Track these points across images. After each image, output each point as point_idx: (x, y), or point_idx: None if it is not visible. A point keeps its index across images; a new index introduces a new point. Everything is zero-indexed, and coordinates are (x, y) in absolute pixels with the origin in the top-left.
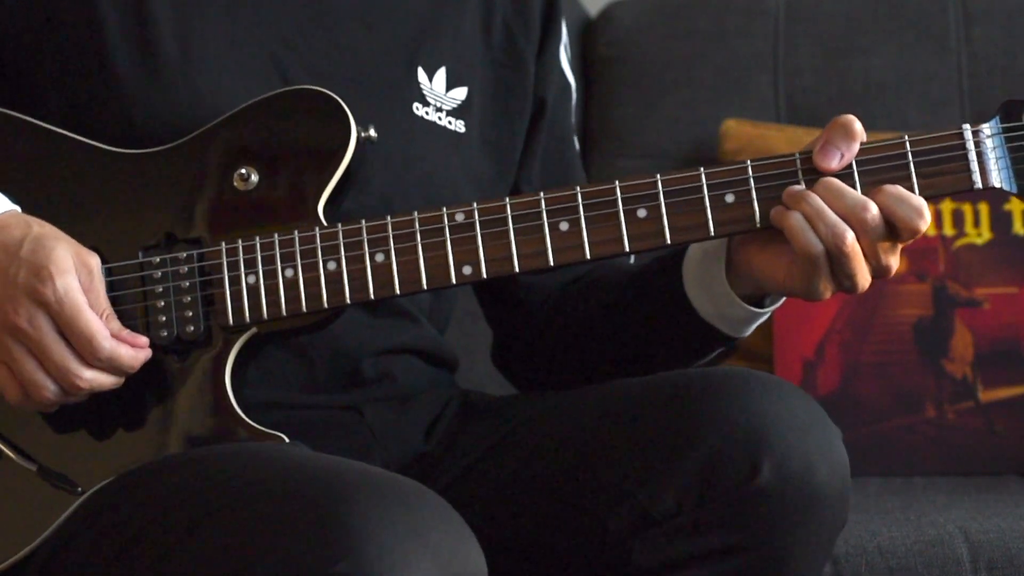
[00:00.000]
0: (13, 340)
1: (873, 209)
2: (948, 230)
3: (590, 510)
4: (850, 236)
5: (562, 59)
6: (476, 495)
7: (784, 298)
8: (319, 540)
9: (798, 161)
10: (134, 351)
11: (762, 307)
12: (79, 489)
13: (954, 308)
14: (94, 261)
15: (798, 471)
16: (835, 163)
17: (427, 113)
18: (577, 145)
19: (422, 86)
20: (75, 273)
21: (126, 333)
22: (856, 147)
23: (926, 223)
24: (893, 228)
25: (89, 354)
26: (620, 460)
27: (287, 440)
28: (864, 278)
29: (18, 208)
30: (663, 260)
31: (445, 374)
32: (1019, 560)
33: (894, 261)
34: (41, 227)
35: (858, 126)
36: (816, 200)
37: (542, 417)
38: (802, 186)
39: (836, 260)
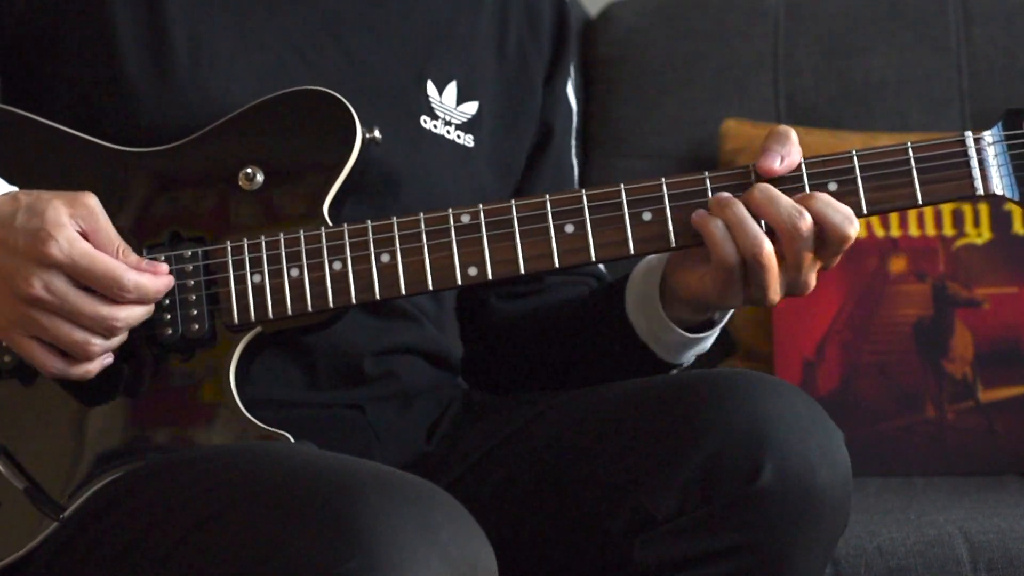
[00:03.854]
0: (37, 310)
1: (807, 216)
2: (948, 230)
3: (591, 510)
4: (768, 246)
5: (568, 87)
6: (478, 495)
7: (723, 319)
8: (330, 538)
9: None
10: (156, 277)
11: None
12: (61, 516)
13: (954, 308)
14: (91, 200)
15: (799, 472)
16: (777, 164)
17: (435, 126)
18: (576, 171)
19: (431, 99)
20: (71, 224)
21: (145, 263)
22: (795, 150)
23: (855, 229)
24: (822, 237)
25: (117, 292)
26: (622, 460)
27: (291, 439)
28: (775, 292)
29: (14, 188)
30: (614, 283)
31: (448, 375)
32: (1019, 560)
33: (813, 278)
34: (28, 195)
35: (793, 135)
36: (740, 209)
37: (544, 417)
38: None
39: (751, 270)
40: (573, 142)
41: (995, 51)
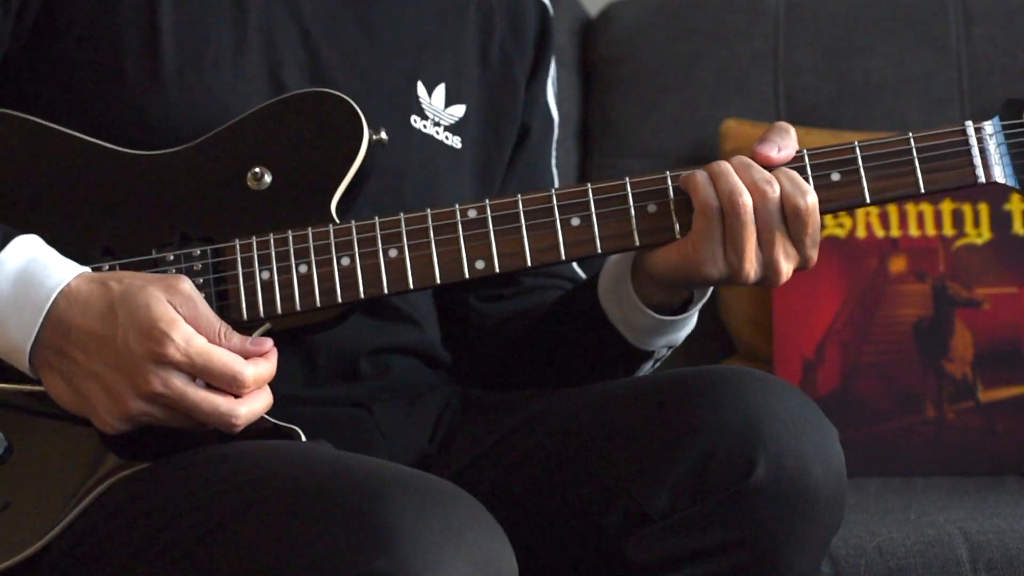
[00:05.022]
0: (157, 406)
1: (776, 184)
2: (948, 230)
3: (585, 508)
4: (747, 197)
5: (549, 92)
6: (473, 492)
7: (697, 303)
8: (357, 538)
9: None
10: (268, 360)
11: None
12: (90, 489)
13: (954, 308)
14: (185, 285)
15: (793, 469)
16: (774, 153)
17: (425, 127)
18: (556, 182)
19: (421, 100)
20: (179, 316)
21: (250, 343)
22: (793, 145)
23: (807, 203)
24: (784, 211)
25: (237, 388)
26: (616, 457)
27: (301, 434)
28: (750, 259)
29: (86, 269)
30: (592, 275)
31: (444, 374)
32: (1019, 560)
33: (783, 263)
34: (119, 282)
35: (793, 132)
36: (724, 164)
37: (538, 416)
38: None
39: (729, 224)
40: (553, 151)
41: (995, 51)
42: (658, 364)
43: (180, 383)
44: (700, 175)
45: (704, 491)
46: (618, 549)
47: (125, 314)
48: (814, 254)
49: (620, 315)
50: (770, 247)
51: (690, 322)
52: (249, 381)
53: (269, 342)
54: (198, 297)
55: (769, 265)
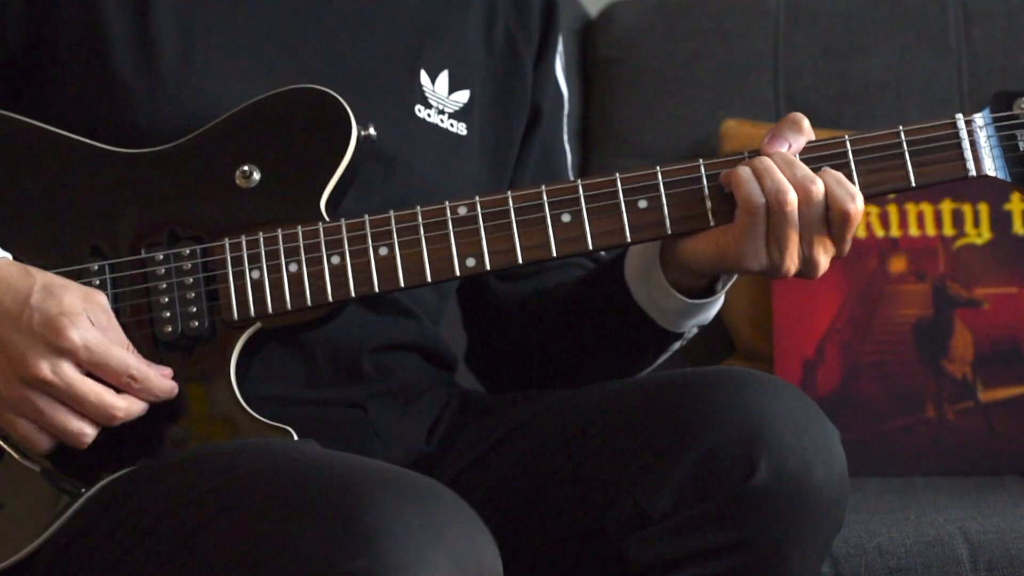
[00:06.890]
0: (38, 393)
1: (820, 184)
2: (948, 230)
3: (587, 508)
4: (793, 196)
5: (557, 68)
6: (474, 494)
7: (725, 287)
8: (337, 536)
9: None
10: (162, 377)
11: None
12: (82, 490)
13: (954, 308)
14: (102, 298)
15: (794, 470)
16: (784, 150)
17: (429, 115)
18: (569, 156)
19: (424, 88)
20: (87, 316)
21: (153, 364)
22: (803, 141)
23: (856, 208)
24: (828, 214)
25: (126, 381)
26: (617, 458)
27: (294, 434)
28: (792, 255)
29: (8, 255)
30: (615, 256)
31: (445, 373)
32: (1019, 560)
33: (822, 258)
34: (43, 275)
35: (807, 124)
36: (767, 160)
37: (540, 416)
38: None
39: (774, 219)
40: (564, 127)
41: (995, 51)
42: (686, 343)
43: (70, 371)
44: (744, 171)
45: (706, 492)
46: (619, 550)
47: (38, 298)
48: (848, 247)
49: (648, 298)
50: (810, 245)
51: (719, 302)
52: (139, 376)
53: (169, 371)
54: (111, 312)
55: (809, 261)
